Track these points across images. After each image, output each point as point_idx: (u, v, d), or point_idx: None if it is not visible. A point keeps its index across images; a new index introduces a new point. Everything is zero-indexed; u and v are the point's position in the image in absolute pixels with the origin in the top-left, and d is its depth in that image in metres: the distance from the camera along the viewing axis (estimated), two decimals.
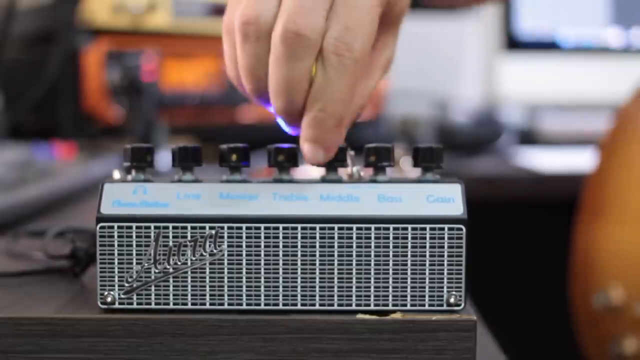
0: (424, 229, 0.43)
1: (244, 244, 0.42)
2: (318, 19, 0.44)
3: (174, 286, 0.43)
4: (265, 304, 0.43)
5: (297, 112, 0.45)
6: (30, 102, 1.13)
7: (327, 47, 0.44)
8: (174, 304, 0.43)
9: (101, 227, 0.43)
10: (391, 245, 0.43)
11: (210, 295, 0.43)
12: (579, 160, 1.25)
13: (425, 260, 0.43)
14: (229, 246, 0.42)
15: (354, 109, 0.47)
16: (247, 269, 0.43)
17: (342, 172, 0.46)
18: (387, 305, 0.43)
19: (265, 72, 0.45)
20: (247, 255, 0.43)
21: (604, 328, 0.97)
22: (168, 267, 0.43)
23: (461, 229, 0.43)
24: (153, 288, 0.43)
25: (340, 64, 0.44)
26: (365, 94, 0.49)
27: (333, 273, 0.43)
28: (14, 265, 0.54)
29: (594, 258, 0.99)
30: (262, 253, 0.42)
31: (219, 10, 1.26)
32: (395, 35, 0.52)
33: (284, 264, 0.43)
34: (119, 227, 0.43)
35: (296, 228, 0.42)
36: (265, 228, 0.42)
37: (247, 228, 0.42)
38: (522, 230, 1.47)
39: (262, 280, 0.43)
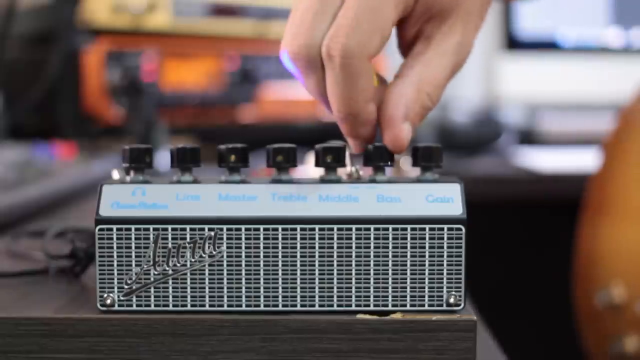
0: (424, 229, 0.43)
1: (243, 246, 0.42)
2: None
3: (173, 288, 0.43)
4: (265, 305, 0.43)
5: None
6: (30, 102, 1.13)
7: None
8: (174, 305, 0.43)
9: (100, 230, 0.43)
10: (390, 245, 0.43)
11: (210, 297, 0.43)
12: (579, 160, 1.25)
13: (424, 261, 0.43)
14: (228, 247, 0.42)
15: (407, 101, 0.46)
16: (246, 270, 0.43)
17: (341, 172, 0.45)
18: (387, 305, 0.43)
19: None
20: (246, 256, 0.42)
21: (605, 326, 0.96)
22: (167, 269, 0.43)
23: (460, 229, 0.43)
24: (152, 290, 0.43)
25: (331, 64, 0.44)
26: (429, 81, 0.47)
27: (332, 274, 0.43)
28: (14, 265, 0.54)
29: (596, 257, 0.99)
30: (262, 254, 0.42)
31: (219, 10, 1.26)
32: (467, 19, 0.49)
33: (283, 265, 0.42)
34: (117, 229, 0.42)
35: (295, 229, 0.42)
36: (265, 229, 0.42)
37: (247, 229, 0.42)
38: (522, 230, 1.47)
39: (262, 281, 0.43)
